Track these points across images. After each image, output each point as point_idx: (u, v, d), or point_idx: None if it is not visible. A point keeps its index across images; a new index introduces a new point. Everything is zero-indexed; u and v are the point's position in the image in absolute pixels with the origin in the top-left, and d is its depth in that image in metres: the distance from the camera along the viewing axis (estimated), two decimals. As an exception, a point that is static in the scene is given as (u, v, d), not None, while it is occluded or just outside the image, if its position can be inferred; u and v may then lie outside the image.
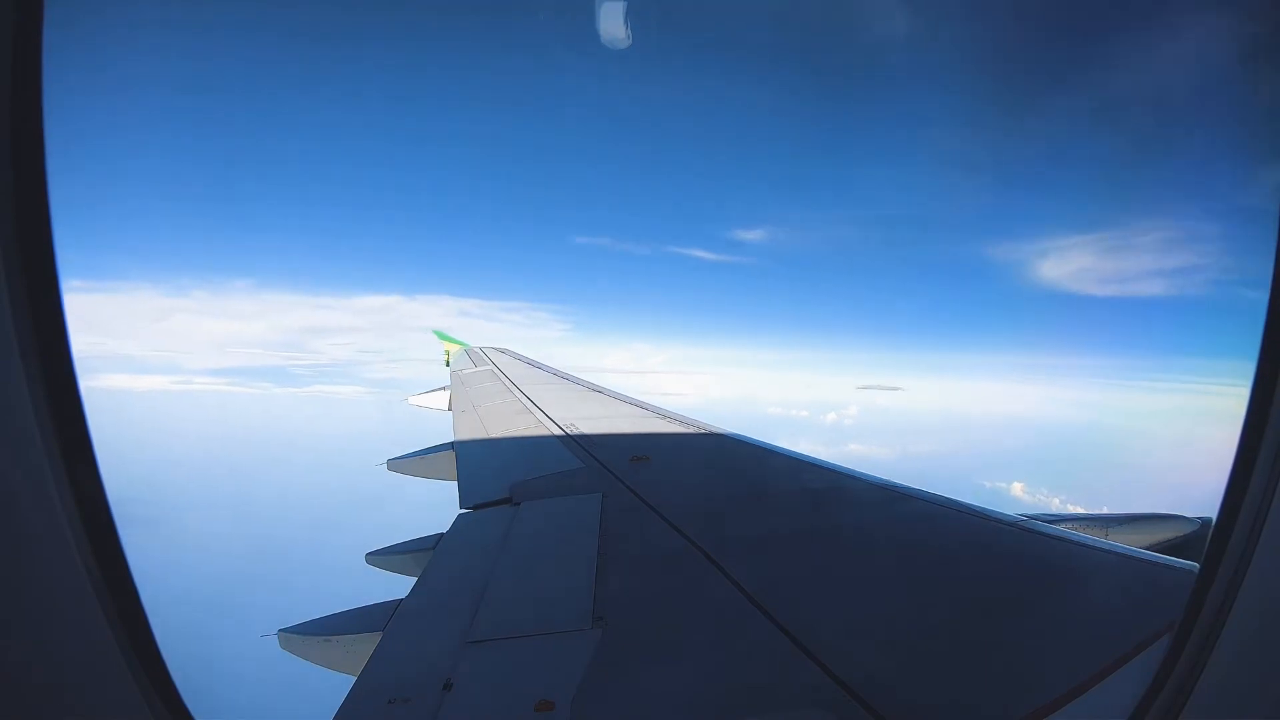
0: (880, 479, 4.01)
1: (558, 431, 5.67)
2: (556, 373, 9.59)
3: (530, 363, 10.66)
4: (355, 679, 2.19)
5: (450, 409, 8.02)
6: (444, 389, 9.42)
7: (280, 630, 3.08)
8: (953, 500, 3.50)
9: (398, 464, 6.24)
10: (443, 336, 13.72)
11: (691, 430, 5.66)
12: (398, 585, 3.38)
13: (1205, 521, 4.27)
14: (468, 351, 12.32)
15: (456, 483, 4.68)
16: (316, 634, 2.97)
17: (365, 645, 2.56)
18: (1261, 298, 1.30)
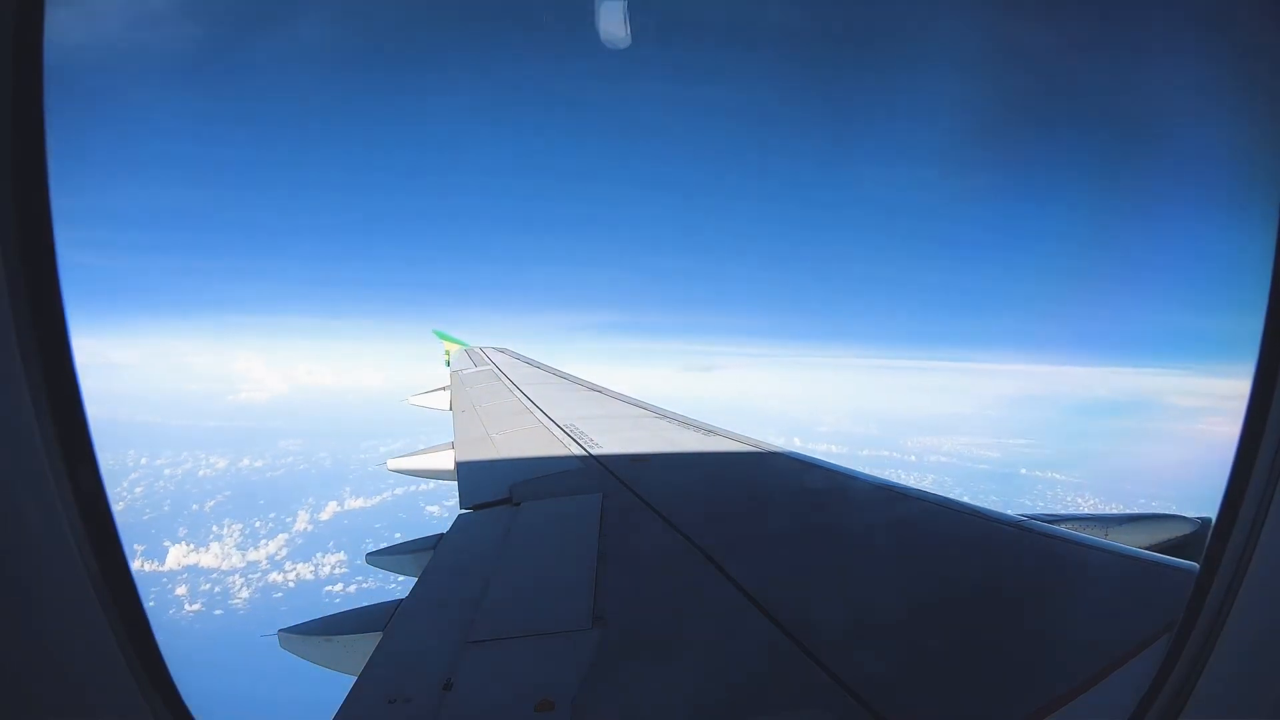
0: (880, 479, 4.01)
1: (558, 432, 5.68)
2: (557, 373, 9.60)
3: (531, 363, 10.67)
4: (355, 679, 2.19)
5: (450, 409, 8.02)
6: (444, 389, 9.42)
7: (280, 630, 3.07)
8: (952, 500, 3.50)
9: (398, 464, 6.24)
10: (443, 336, 13.69)
11: (692, 430, 5.66)
12: (398, 585, 3.38)
13: (1205, 521, 4.27)
14: (468, 351, 12.32)
15: (456, 483, 4.68)
16: (316, 634, 2.97)
17: (365, 645, 2.56)
18: (1261, 298, 1.30)
